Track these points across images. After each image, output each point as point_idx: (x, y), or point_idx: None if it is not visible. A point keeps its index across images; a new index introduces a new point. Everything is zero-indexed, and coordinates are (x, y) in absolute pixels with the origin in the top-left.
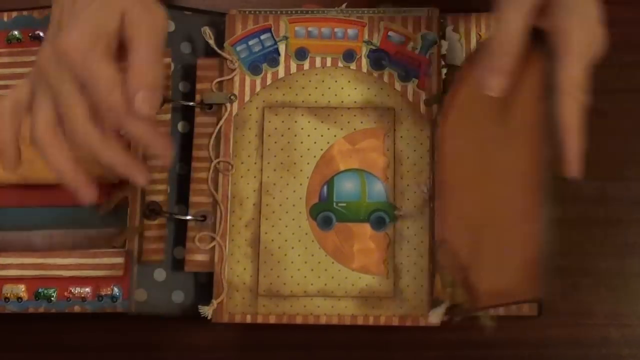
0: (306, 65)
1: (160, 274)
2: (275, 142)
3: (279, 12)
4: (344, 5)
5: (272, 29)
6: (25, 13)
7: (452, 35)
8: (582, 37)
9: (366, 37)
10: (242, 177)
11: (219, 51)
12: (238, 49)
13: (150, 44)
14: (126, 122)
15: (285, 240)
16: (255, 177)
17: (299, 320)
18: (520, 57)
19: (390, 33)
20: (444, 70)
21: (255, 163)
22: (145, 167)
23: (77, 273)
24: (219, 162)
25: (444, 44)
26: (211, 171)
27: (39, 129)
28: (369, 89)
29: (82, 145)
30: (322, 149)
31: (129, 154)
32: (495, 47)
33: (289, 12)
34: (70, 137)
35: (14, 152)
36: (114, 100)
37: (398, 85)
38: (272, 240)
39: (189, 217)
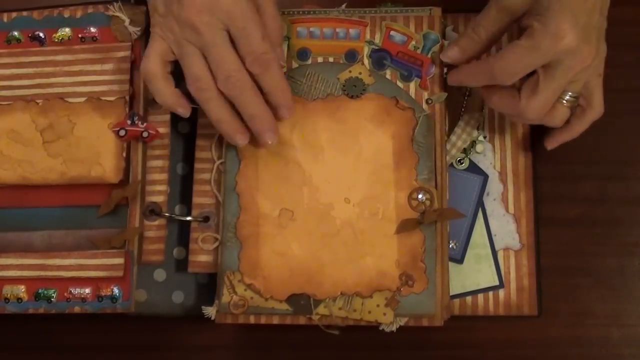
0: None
1: (160, 275)
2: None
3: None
4: (343, 6)
5: None
6: (25, 13)
7: (452, 35)
8: None
9: (368, 37)
10: None
11: None
12: None
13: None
14: (268, 72)
15: None
16: None
17: (301, 321)
18: None
19: (392, 33)
20: (445, 69)
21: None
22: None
23: (77, 274)
24: (221, 163)
25: (445, 43)
26: (214, 172)
27: (201, 82)
28: None
29: (233, 91)
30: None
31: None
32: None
33: (291, 12)
34: (225, 86)
35: (184, 105)
36: (265, 48)
37: (400, 85)
38: None
39: (188, 218)
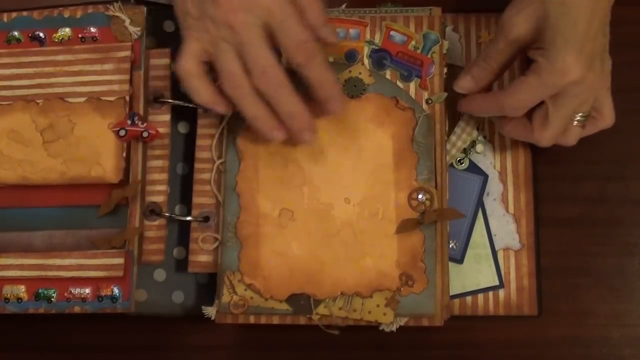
0: None
1: (160, 275)
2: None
3: None
4: (343, 6)
5: None
6: (25, 13)
7: (452, 35)
8: None
9: (368, 37)
10: None
11: None
12: None
13: None
14: (314, 62)
15: None
16: None
17: (301, 321)
18: None
19: (392, 33)
20: (444, 70)
21: None
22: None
23: (77, 274)
24: (221, 163)
25: (445, 43)
26: (214, 172)
27: (235, 78)
28: None
29: (269, 87)
30: None
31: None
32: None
33: None
34: (261, 82)
35: (222, 103)
36: (308, 37)
37: (400, 85)
38: None
39: (188, 218)
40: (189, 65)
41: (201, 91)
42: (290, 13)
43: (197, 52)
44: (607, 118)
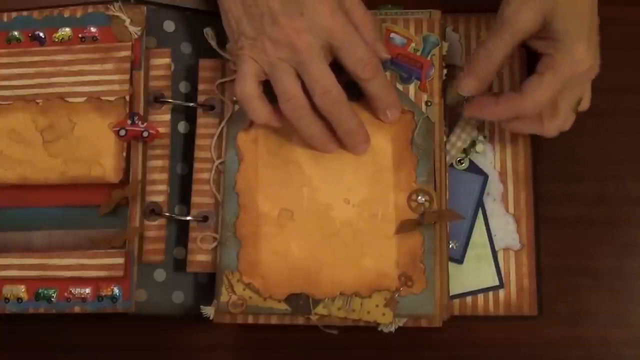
0: None
1: (160, 275)
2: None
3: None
4: None
5: None
6: (25, 13)
7: (452, 35)
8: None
9: None
10: None
11: (220, 52)
12: None
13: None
14: (378, 75)
15: None
16: None
17: (300, 321)
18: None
19: (392, 35)
20: (444, 71)
21: None
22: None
23: (77, 273)
24: (221, 163)
25: (444, 45)
26: (213, 172)
27: (296, 100)
28: None
29: (332, 106)
30: None
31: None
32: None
33: None
34: (323, 101)
35: (278, 120)
36: (371, 52)
37: (399, 87)
38: None
39: (188, 218)
40: (250, 89)
41: (261, 112)
42: (351, 31)
43: (254, 73)
44: (585, 102)
